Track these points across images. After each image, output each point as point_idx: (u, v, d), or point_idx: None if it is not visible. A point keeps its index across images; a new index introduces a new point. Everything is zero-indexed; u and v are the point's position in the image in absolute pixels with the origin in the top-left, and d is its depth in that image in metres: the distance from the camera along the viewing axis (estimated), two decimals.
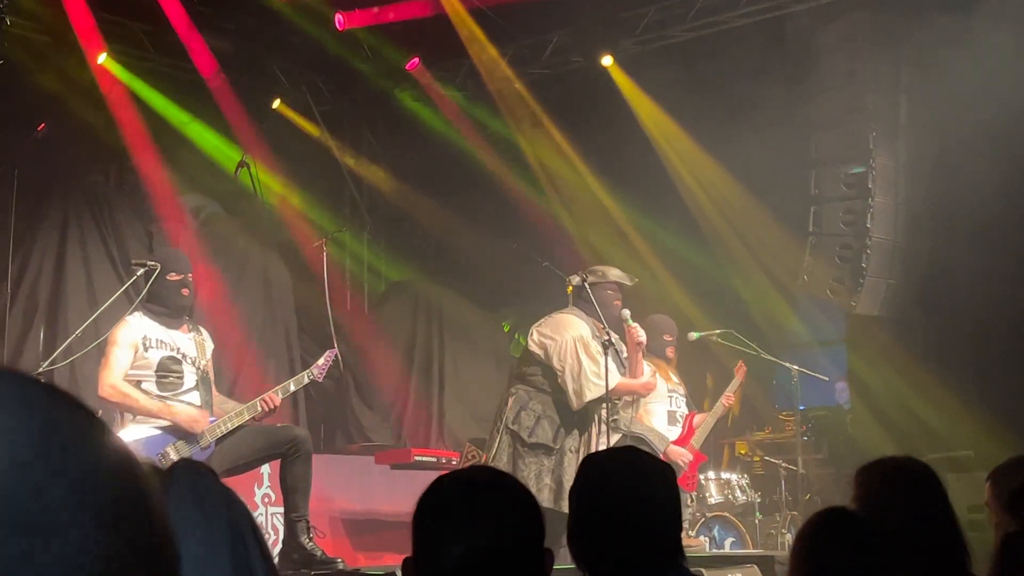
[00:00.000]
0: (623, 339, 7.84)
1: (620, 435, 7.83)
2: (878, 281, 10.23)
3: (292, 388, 7.14)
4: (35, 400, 0.75)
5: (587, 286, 7.76)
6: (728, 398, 9.42)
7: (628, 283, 7.92)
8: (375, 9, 11.15)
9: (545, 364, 7.66)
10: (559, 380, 7.57)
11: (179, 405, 6.69)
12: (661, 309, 9.81)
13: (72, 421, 0.76)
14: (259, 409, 6.85)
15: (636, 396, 7.95)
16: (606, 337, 7.53)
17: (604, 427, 7.49)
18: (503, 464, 7.43)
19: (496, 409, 7.89)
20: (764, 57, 10.47)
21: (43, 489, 0.70)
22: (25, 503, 0.69)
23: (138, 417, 6.69)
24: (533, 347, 7.73)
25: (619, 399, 7.73)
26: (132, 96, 10.90)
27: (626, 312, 7.72)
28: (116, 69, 10.88)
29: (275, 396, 6.92)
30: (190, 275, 7.05)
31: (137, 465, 0.79)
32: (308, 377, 7.18)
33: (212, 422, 6.82)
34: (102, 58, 10.74)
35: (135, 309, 6.88)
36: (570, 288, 7.96)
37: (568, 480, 7.39)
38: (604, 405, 7.49)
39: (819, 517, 3.17)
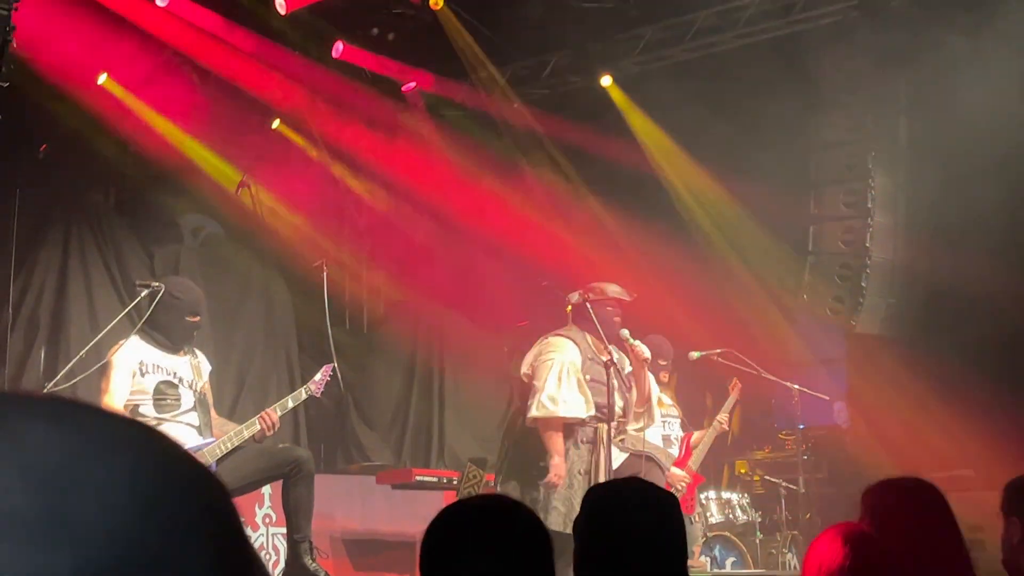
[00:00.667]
0: (625, 355, 7.83)
1: (627, 455, 7.82)
2: (878, 300, 10.25)
3: (291, 404, 7.16)
4: (151, 441, 0.78)
5: (587, 304, 7.74)
6: (725, 417, 9.42)
7: (627, 299, 7.91)
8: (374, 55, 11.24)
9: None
10: None
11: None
12: (661, 328, 9.80)
13: (182, 459, 0.78)
14: (259, 427, 6.87)
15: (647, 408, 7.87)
16: (607, 356, 7.52)
17: (610, 448, 7.46)
18: (512, 489, 7.42)
19: (502, 435, 7.86)
20: (763, 77, 10.50)
21: (169, 527, 0.73)
22: (154, 541, 0.72)
23: None
24: (525, 369, 7.74)
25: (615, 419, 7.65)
26: (132, 116, 10.91)
27: (625, 332, 7.72)
28: (116, 89, 10.90)
29: (273, 413, 6.94)
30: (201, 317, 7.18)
31: (227, 493, 0.82)
32: (306, 393, 7.21)
33: (211, 443, 6.83)
34: (102, 79, 10.77)
35: (133, 333, 6.91)
36: (569, 307, 7.96)
37: (578, 502, 7.35)
38: (608, 425, 7.46)
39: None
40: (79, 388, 8.19)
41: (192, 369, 7.02)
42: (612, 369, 7.49)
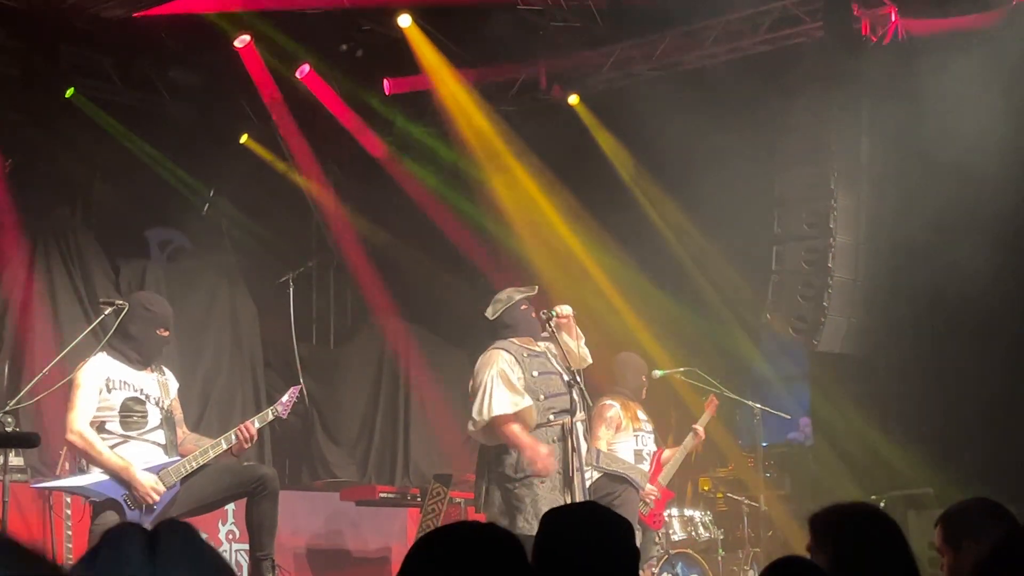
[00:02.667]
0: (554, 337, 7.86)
1: (600, 475, 7.86)
2: (839, 319, 10.35)
3: (257, 425, 7.13)
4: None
5: (500, 317, 7.80)
6: (700, 432, 9.46)
7: (532, 292, 7.97)
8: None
9: None
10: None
11: (138, 470, 6.68)
12: (625, 347, 9.89)
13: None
14: (235, 440, 6.87)
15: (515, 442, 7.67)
16: (535, 348, 7.66)
17: (578, 439, 7.45)
18: (496, 508, 7.35)
19: (477, 466, 7.85)
20: (727, 97, 10.60)
21: None
22: None
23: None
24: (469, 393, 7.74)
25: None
26: (100, 130, 10.90)
27: (544, 313, 7.75)
28: (84, 103, 10.88)
29: (252, 426, 6.96)
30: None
31: None
32: (273, 414, 7.20)
33: (176, 461, 6.83)
34: (70, 92, 10.75)
35: (99, 349, 6.91)
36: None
37: (566, 500, 7.36)
38: (571, 421, 7.45)
39: (775, 567, 3.23)
40: (43, 404, 8.19)
41: (160, 387, 7.03)
42: (541, 358, 7.64)
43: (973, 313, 9.76)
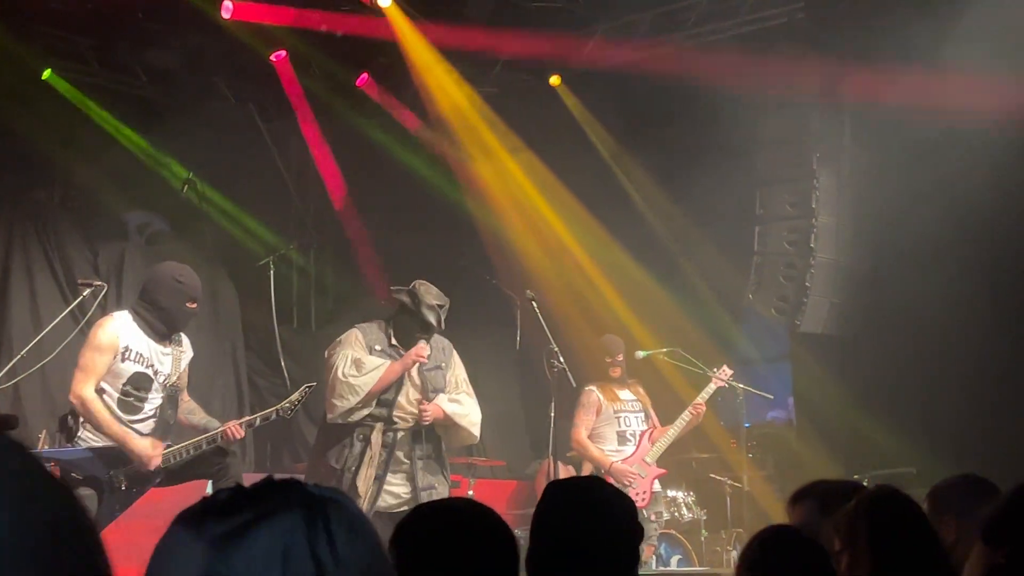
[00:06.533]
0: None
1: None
2: (821, 300, 10.33)
3: (258, 423, 7.21)
4: None
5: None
6: (697, 407, 9.39)
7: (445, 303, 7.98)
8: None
9: None
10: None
11: (137, 438, 6.67)
12: (609, 328, 9.88)
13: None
14: (218, 441, 6.88)
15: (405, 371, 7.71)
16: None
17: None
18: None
19: None
20: (708, 78, 10.55)
21: None
22: None
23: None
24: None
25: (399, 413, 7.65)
26: (77, 112, 10.82)
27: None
28: (61, 85, 10.80)
29: (239, 429, 6.92)
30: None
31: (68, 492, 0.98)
32: (277, 414, 7.18)
33: (171, 449, 6.81)
34: (47, 74, 10.67)
35: (126, 308, 6.90)
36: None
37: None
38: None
39: (763, 535, 3.22)
40: (21, 387, 8.13)
41: (172, 361, 6.99)
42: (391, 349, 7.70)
43: (956, 293, 9.74)
